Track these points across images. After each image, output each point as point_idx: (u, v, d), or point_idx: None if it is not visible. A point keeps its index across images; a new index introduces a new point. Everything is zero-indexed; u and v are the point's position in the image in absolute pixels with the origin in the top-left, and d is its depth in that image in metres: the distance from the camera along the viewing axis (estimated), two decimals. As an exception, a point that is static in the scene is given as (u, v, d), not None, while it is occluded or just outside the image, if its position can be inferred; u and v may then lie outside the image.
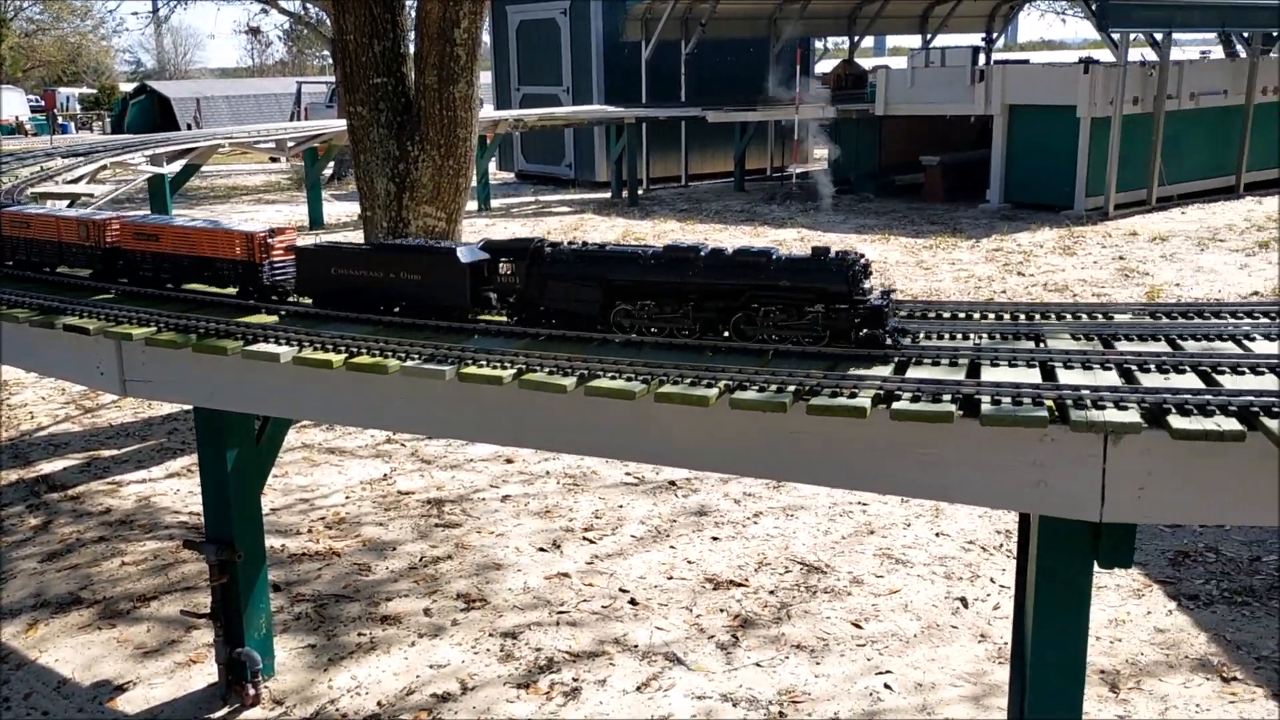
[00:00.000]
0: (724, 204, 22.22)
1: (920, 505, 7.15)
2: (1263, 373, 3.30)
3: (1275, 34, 22.63)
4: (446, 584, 6.33)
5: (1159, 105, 18.92)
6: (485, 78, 28.07)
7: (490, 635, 5.75)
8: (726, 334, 3.77)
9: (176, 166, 16.55)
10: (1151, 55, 19.28)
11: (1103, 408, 3.09)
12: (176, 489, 7.90)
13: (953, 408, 3.18)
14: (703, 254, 3.81)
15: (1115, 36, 18.52)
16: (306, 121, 28.51)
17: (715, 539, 6.85)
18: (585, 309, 3.95)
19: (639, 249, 3.95)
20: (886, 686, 5.18)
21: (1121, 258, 15.33)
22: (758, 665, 5.39)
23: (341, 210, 22.26)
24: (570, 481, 7.83)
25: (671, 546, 6.76)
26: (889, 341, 3.61)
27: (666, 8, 23.31)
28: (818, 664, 5.39)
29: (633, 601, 6.08)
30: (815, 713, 4.99)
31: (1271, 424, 2.92)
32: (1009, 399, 3.19)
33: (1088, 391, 3.15)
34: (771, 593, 6.13)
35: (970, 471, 3.30)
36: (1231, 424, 2.96)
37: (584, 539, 6.90)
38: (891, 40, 46.71)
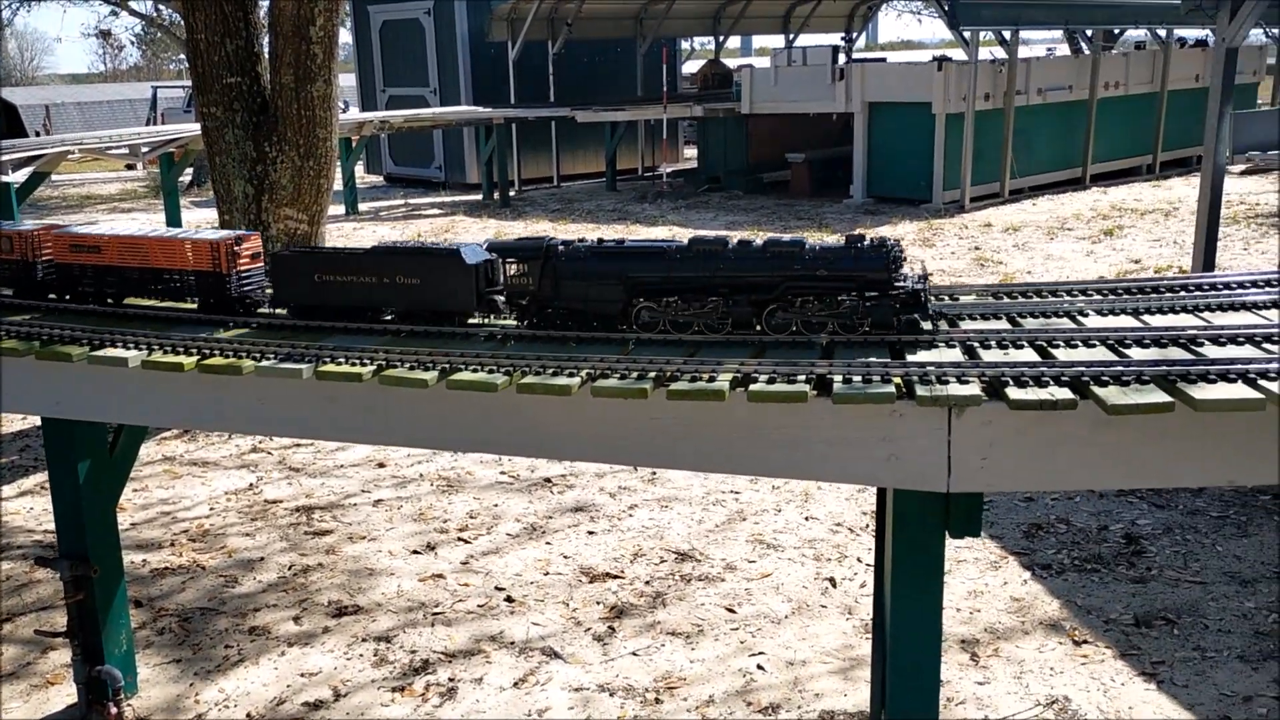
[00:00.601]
0: (596, 203, 22.28)
1: (790, 491, 7.31)
2: (1094, 345, 3.49)
3: (1116, 31, 23.81)
4: (317, 592, 6.22)
5: (1009, 101, 19.69)
6: (350, 79, 27.61)
7: (363, 640, 5.67)
8: (759, 327, 3.70)
9: (23, 175, 15.80)
10: (1001, 53, 20.05)
11: (946, 382, 3.23)
12: (30, 507, 7.57)
13: (807, 388, 3.27)
14: (730, 246, 3.74)
15: (966, 34, 19.19)
16: (162, 126, 27.53)
17: (591, 533, 6.88)
18: (606, 308, 3.80)
19: (662, 244, 3.84)
20: (759, 666, 5.29)
21: (977, 248, 15.91)
22: (634, 654, 5.45)
23: (201, 217, 21.56)
24: (444, 483, 7.77)
25: (548, 543, 6.77)
26: (928, 326, 3.63)
27: (532, 8, 23.25)
28: (693, 649, 5.47)
29: (509, 599, 6.07)
30: (691, 696, 5.07)
31: (1100, 391, 3.10)
32: (859, 377, 3.31)
33: (932, 368, 3.29)
34: (647, 583, 6.20)
35: (827, 449, 3.40)
36: (1064, 393, 3.12)
37: (459, 539, 6.85)
38: (758, 40, 47.44)
